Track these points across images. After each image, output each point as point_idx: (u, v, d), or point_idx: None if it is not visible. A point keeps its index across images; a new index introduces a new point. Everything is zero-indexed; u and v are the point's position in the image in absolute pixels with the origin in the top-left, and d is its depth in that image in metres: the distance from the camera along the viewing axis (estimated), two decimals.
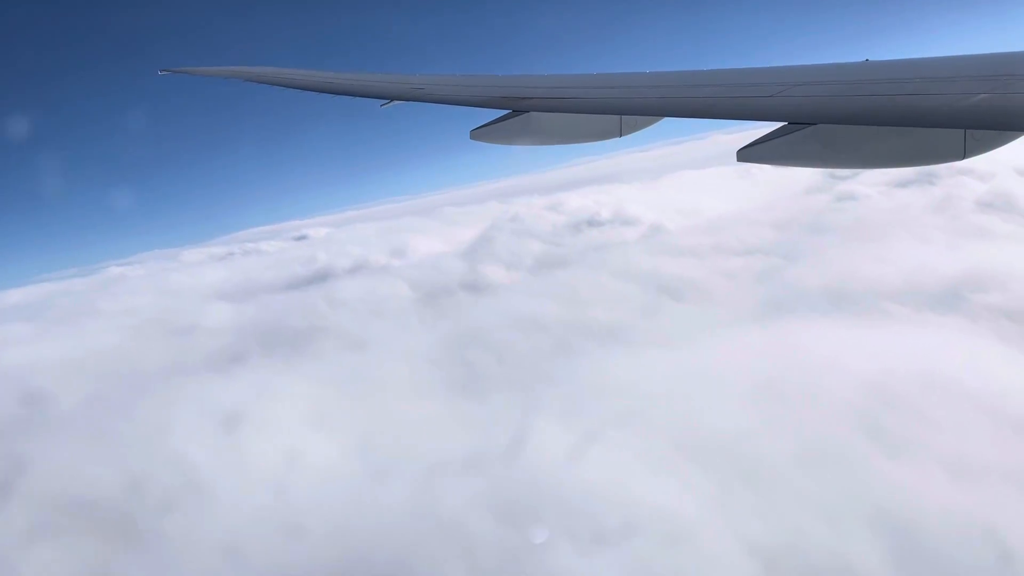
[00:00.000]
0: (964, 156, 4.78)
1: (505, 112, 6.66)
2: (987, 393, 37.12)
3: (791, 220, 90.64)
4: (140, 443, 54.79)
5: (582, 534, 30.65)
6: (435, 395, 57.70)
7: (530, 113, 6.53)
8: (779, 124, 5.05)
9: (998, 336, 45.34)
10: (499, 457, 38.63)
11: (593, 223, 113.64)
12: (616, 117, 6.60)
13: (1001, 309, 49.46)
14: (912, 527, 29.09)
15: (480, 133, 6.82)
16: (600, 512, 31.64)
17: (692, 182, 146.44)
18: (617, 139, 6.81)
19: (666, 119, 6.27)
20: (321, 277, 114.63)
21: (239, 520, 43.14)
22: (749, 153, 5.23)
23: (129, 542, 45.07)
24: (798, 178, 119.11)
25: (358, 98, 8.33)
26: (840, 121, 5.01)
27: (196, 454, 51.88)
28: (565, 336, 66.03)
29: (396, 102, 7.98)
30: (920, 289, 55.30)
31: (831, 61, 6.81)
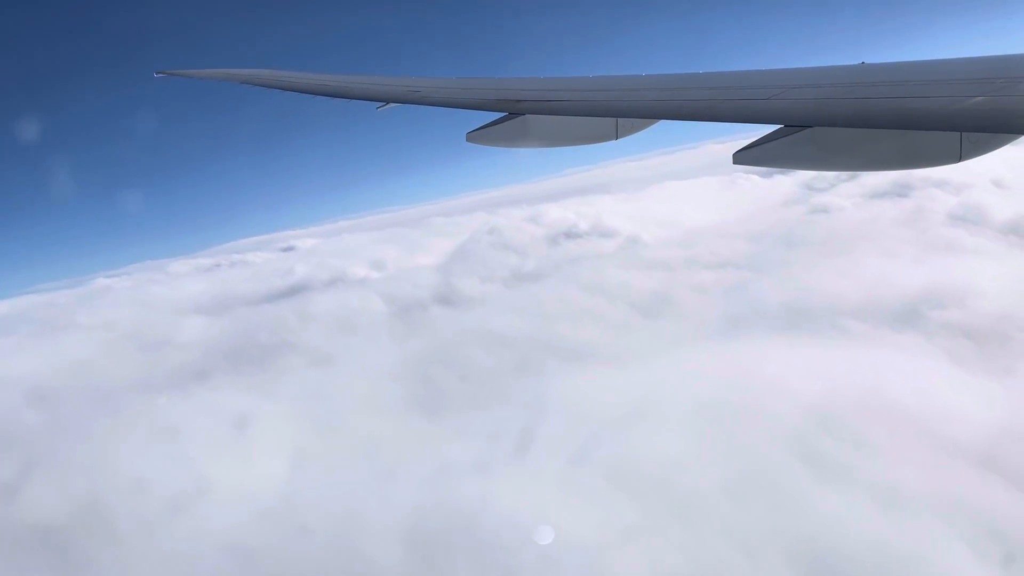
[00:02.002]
0: (960, 159, 4.72)
1: (502, 115, 6.65)
2: (927, 417, 36.25)
3: (766, 232, 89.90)
4: (87, 464, 54.09)
5: (494, 567, 29.76)
6: (389, 415, 56.92)
7: (526, 116, 6.53)
8: (775, 127, 5.02)
9: (949, 356, 44.46)
10: (429, 480, 37.81)
11: (571, 235, 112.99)
12: (612, 120, 6.57)
13: (958, 327, 48.64)
14: (832, 561, 28.18)
15: (476, 136, 6.78)
16: (517, 543, 30.74)
17: (676, 193, 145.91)
18: (613, 144, 6.83)
19: (662, 122, 6.29)
20: (298, 290, 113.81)
21: (176, 543, 42.49)
22: (745, 156, 5.15)
23: (68, 564, 44.56)
24: (778, 189, 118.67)
25: (354, 100, 8.27)
26: (836, 124, 4.98)
27: (139, 476, 51.17)
28: (528, 353, 65.30)
29: (392, 104, 7.94)
30: (880, 306, 54.47)
31: (827, 64, 6.96)
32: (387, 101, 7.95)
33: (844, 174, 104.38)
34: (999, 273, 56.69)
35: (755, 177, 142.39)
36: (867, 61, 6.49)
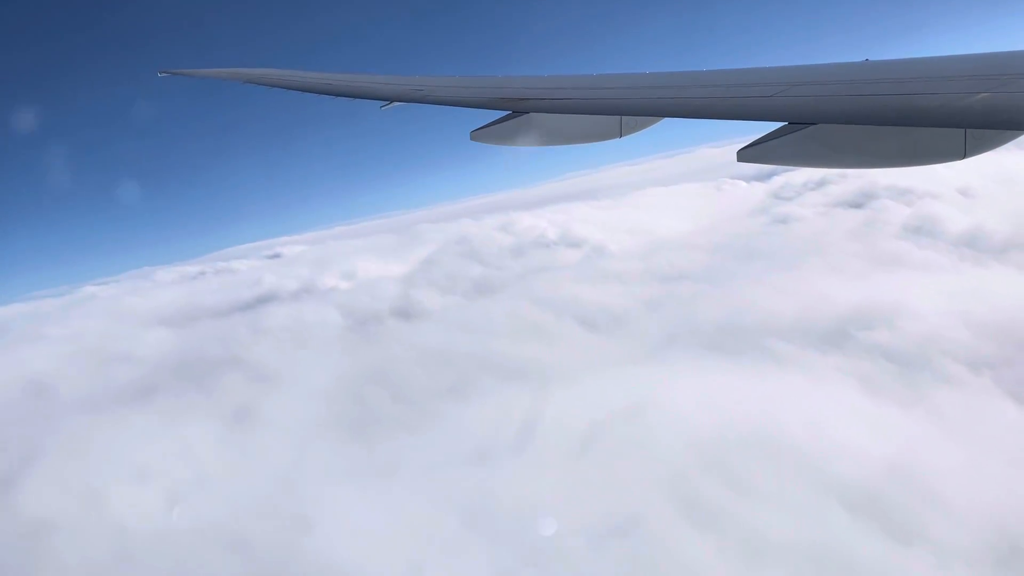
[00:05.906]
0: (964, 155, 4.74)
1: (506, 113, 6.62)
2: (817, 454, 34.36)
3: (727, 243, 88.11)
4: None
5: None
6: (312, 439, 55.61)
7: (530, 114, 6.51)
8: (779, 124, 4.99)
9: (863, 383, 42.41)
10: (298, 516, 36.35)
11: (539, 244, 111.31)
12: (616, 118, 6.57)
13: (881, 349, 46.71)
14: None
15: (480, 134, 6.77)
16: None
17: (656, 199, 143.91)
18: (618, 146, 7.16)
19: (666, 122, 6.27)
20: (264, 301, 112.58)
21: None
22: (749, 153, 5.11)
23: None
24: (752, 196, 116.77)
25: (359, 99, 8.23)
26: (840, 121, 4.97)
27: (54, 501, 50.08)
28: (465, 371, 63.91)
29: (396, 103, 7.91)
30: (811, 325, 52.53)
31: (831, 61, 6.75)
32: (392, 100, 7.90)
33: (812, 180, 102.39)
34: (939, 289, 54.65)
35: (741, 183, 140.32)
36: (871, 59, 6.47)
